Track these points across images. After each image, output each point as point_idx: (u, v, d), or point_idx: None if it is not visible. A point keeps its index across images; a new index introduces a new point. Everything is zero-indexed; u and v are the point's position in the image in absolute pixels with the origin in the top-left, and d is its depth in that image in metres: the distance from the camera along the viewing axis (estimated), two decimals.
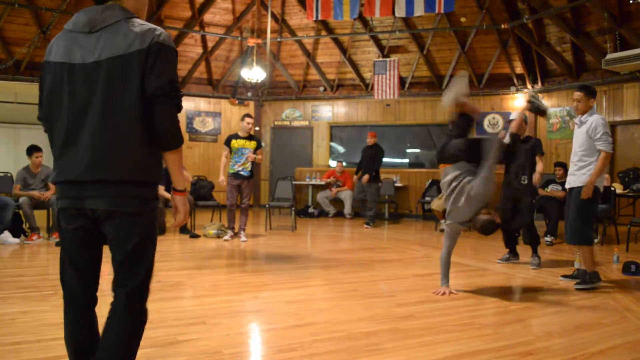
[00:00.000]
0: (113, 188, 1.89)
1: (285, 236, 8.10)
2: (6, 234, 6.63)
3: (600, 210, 6.90)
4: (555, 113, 10.69)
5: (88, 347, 2.02)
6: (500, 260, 5.95)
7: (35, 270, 5.15)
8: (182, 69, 12.24)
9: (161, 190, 7.03)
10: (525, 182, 5.70)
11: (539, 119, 10.98)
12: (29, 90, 10.94)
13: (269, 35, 11.00)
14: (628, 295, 4.41)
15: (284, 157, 13.05)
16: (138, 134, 1.88)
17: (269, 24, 11.01)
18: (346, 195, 10.97)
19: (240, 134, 7.37)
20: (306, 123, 13.10)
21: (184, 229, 7.88)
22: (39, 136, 2.14)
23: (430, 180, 10.72)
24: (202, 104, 12.79)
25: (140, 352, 2.03)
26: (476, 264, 5.85)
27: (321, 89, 12.95)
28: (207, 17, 11.90)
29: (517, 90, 11.18)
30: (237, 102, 13.03)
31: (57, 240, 2.50)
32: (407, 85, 12.18)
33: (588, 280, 4.58)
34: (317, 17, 10.48)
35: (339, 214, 11.24)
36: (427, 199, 10.18)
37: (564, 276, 5.04)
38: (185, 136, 12.38)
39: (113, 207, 1.89)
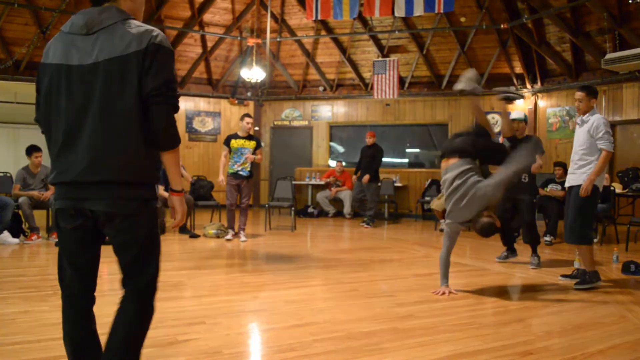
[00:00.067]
0: (112, 189, 1.89)
1: (285, 236, 8.10)
2: (6, 234, 6.63)
3: (600, 210, 6.90)
4: (554, 113, 10.70)
5: (87, 346, 2.03)
6: (499, 258, 5.96)
7: (35, 270, 5.15)
8: (182, 69, 12.25)
9: (161, 190, 7.04)
10: (526, 180, 5.68)
11: (538, 119, 10.99)
12: (29, 90, 10.92)
13: (268, 35, 11.00)
14: (628, 295, 4.42)
15: (283, 157, 13.05)
16: (136, 134, 1.89)
17: (269, 23, 11.01)
18: (346, 195, 10.97)
19: (239, 133, 7.37)
20: (306, 123, 13.10)
21: (183, 229, 7.88)
22: (39, 136, 2.13)
23: (429, 180, 10.73)
24: (202, 103, 12.79)
25: None
26: (476, 264, 5.85)
27: (321, 88, 12.94)
28: (207, 17, 11.90)
29: (517, 90, 11.17)
30: (236, 102, 13.03)
31: (57, 240, 2.51)
32: (406, 85, 12.18)
33: (588, 280, 4.58)
34: (316, 16, 10.48)
35: (339, 214, 11.24)
36: (427, 198, 10.19)
37: (564, 276, 5.04)
38: (185, 136, 12.38)
39: (112, 208, 1.90)
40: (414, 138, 12.53)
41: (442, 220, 8.94)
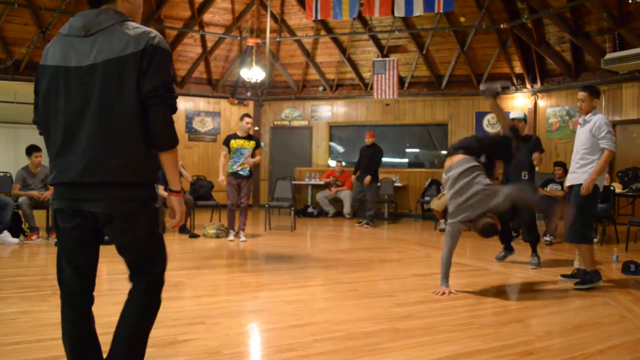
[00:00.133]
0: (111, 190, 1.91)
1: (284, 236, 8.10)
2: (5, 234, 6.63)
3: (600, 210, 6.90)
4: (554, 113, 10.70)
5: (86, 346, 2.04)
6: (497, 258, 5.96)
7: (35, 270, 5.14)
8: (182, 69, 12.24)
9: (160, 190, 7.03)
10: (526, 177, 5.69)
11: (538, 119, 10.99)
12: (29, 90, 10.91)
13: (268, 35, 11.00)
14: (628, 295, 4.42)
15: (283, 157, 13.05)
16: (134, 135, 1.90)
17: (268, 23, 11.01)
18: (345, 195, 10.96)
19: (239, 133, 7.36)
20: (305, 123, 13.09)
21: (183, 229, 7.88)
22: (39, 136, 2.14)
23: (429, 180, 10.73)
24: (202, 103, 12.78)
25: None
26: (476, 264, 5.85)
27: (320, 88, 12.94)
28: (207, 17, 11.89)
29: (517, 89, 11.18)
30: (236, 101, 13.02)
31: (56, 240, 2.49)
32: (406, 85, 12.18)
33: (587, 279, 4.58)
34: (316, 16, 10.47)
35: (339, 214, 11.24)
36: (427, 198, 10.19)
37: (564, 276, 5.04)
38: (185, 136, 12.39)
39: (112, 210, 1.91)
40: (414, 138, 12.53)
41: (441, 220, 8.95)
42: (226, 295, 4.30)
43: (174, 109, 1.97)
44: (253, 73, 11.40)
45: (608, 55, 8.72)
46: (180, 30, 11.63)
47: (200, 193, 9.05)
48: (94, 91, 1.88)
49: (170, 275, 2.12)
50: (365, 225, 9.43)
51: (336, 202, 11.32)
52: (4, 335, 3.05)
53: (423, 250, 6.92)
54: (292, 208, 9.10)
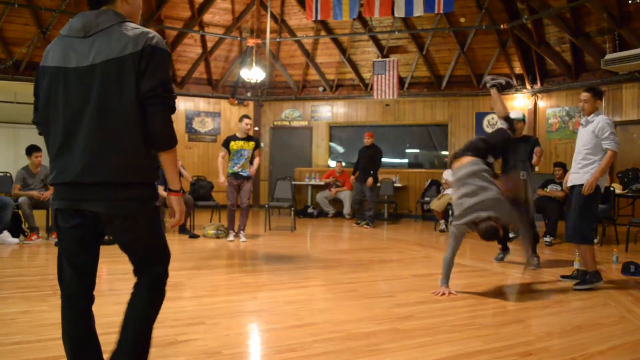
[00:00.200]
0: (111, 191, 1.91)
1: (284, 236, 8.10)
2: (5, 234, 6.63)
3: (600, 211, 6.89)
4: (554, 113, 10.70)
5: (86, 346, 2.04)
6: (497, 259, 5.97)
7: (35, 270, 5.14)
8: (182, 69, 12.24)
9: (160, 190, 7.03)
10: (524, 177, 5.69)
11: (538, 120, 10.99)
12: (29, 90, 10.80)
13: (268, 35, 11.00)
14: (627, 295, 4.42)
15: (283, 157, 13.05)
16: (134, 135, 1.91)
17: (268, 24, 11.01)
18: (345, 195, 10.96)
19: (238, 135, 7.35)
20: (305, 123, 13.10)
21: (183, 229, 7.88)
22: (39, 136, 2.15)
23: (429, 181, 10.72)
24: (202, 104, 12.78)
25: None
26: (476, 264, 5.85)
27: (320, 89, 12.94)
28: (207, 17, 11.89)
29: (517, 90, 11.18)
30: (236, 102, 13.03)
31: (57, 240, 2.50)
32: (406, 86, 12.18)
33: (587, 280, 4.59)
34: (316, 17, 10.47)
35: (339, 214, 11.24)
36: (427, 199, 10.18)
37: (564, 276, 5.04)
38: (185, 136, 12.39)
39: (112, 210, 1.92)
40: (414, 138, 12.54)
41: (441, 221, 8.95)
42: (226, 295, 4.30)
43: (172, 109, 1.97)
44: (253, 73, 11.41)
45: (608, 56, 8.72)
46: (180, 31, 11.63)
47: (200, 193, 9.05)
48: (93, 92, 1.89)
49: (170, 276, 2.12)
50: (365, 226, 9.43)
51: (336, 202, 11.32)
52: (4, 335, 3.05)
53: (423, 251, 6.91)
54: (292, 208, 9.10)
